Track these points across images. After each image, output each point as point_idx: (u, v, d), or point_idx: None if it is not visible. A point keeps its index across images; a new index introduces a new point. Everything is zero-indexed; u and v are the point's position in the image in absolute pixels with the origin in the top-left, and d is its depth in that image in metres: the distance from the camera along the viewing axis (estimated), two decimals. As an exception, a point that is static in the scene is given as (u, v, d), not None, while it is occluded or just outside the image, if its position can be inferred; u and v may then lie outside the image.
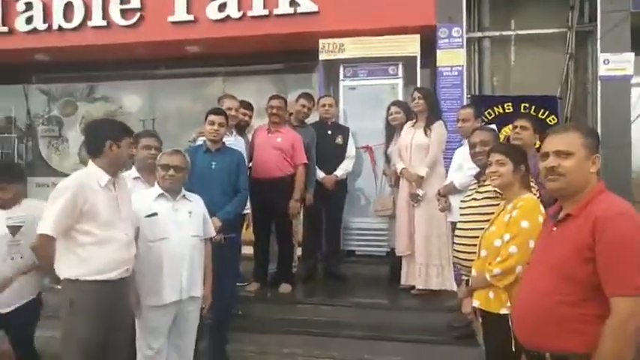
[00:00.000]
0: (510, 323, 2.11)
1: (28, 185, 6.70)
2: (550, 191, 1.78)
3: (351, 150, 4.68)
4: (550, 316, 1.63)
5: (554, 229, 1.75)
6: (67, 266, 2.44)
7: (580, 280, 1.59)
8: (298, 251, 4.72)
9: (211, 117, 3.53)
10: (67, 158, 6.74)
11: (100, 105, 6.70)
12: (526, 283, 1.82)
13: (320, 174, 4.54)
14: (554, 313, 1.63)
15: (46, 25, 5.66)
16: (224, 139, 3.70)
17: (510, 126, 3.77)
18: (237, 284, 4.12)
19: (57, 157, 6.80)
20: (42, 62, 6.28)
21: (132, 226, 2.66)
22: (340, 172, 4.59)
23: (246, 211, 3.98)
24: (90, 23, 5.59)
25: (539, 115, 4.70)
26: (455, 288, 4.04)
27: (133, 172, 3.27)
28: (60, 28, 5.64)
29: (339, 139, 4.64)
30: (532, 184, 2.58)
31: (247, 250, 4.31)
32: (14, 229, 2.95)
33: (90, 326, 2.40)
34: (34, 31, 5.71)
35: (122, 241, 2.52)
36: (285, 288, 4.26)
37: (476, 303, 2.36)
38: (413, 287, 4.19)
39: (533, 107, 4.73)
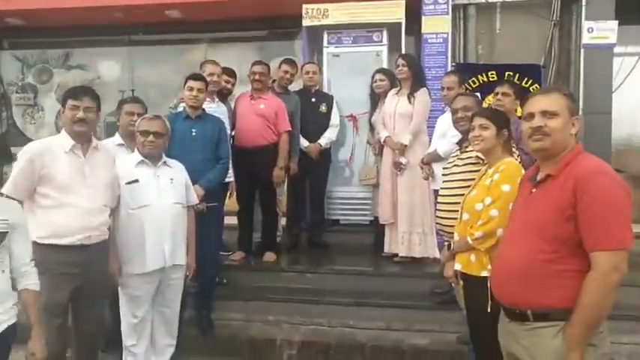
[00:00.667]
0: (489, 284, 2.17)
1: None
2: (533, 151, 1.79)
3: (335, 119, 4.64)
4: (531, 274, 1.67)
5: (534, 190, 1.77)
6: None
7: (561, 238, 1.62)
8: (282, 221, 4.72)
9: (190, 82, 3.44)
10: (42, 127, 6.56)
11: (76, 73, 6.50)
12: (505, 243, 1.85)
13: (304, 143, 4.50)
14: (535, 270, 1.66)
15: (19, -14, 5.43)
16: (206, 106, 3.63)
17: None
18: (222, 253, 4.12)
19: (32, 127, 6.62)
20: (15, 26, 6.05)
21: (102, 193, 2.61)
22: (324, 140, 4.56)
23: (229, 180, 3.93)
24: (65, -15, 5.37)
25: (523, 84, 4.69)
26: (437, 255, 4.09)
27: (117, 138, 3.21)
28: (33, -10, 5.42)
29: (323, 107, 4.59)
30: (514, 149, 2.59)
31: (231, 220, 4.28)
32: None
33: (49, 287, 2.42)
34: (6, -7, 5.47)
35: (83, 207, 2.50)
36: (269, 256, 4.27)
37: (458, 266, 2.39)
38: (396, 255, 4.23)
39: (517, 75, 4.70)
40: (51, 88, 6.57)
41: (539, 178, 1.76)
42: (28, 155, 2.45)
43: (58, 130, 6.00)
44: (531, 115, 1.74)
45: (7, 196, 2.43)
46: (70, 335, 2.71)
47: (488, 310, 2.13)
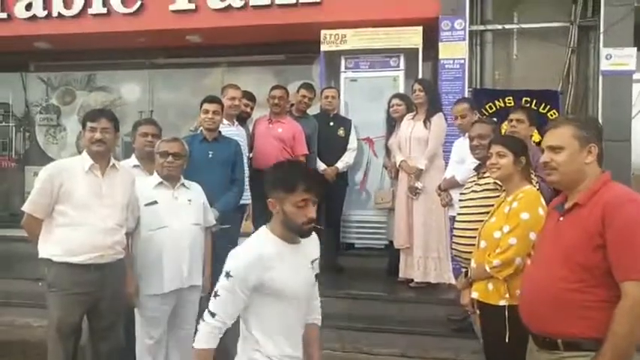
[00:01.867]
0: (506, 314, 2.14)
1: (25, 174, 6.71)
2: (549, 184, 1.81)
3: (352, 142, 4.68)
4: (561, 303, 1.66)
5: (561, 218, 1.77)
6: (44, 246, 2.54)
7: (590, 266, 1.61)
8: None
9: (205, 105, 3.50)
10: (64, 148, 6.70)
11: (98, 94, 6.67)
12: (534, 272, 1.84)
13: (321, 165, 4.53)
14: (565, 300, 1.65)
15: (46, 12, 5.62)
16: (226, 129, 3.68)
17: (509, 120, 3.75)
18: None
19: (54, 147, 6.77)
20: (41, 50, 6.25)
21: (118, 213, 2.65)
22: (342, 164, 4.59)
23: (245, 202, 3.95)
24: (90, 11, 5.55)
25: (541, 110, 4.69)
26: (453, 281, 4.05)
27: (133, 160, 3.25)
28: (60, 15, 5.60)
29: (341, 131, 4.64)
30: (532, 175, 2.58)
31: (246, 241, 4.29)
32: None
33: (62, 307, 2.48)
34: (34, 18, 5.66)
35: (98, 227, 2.54)
36: (283, 279, 4.24)
37: (475, 294, 2.36)
38: (411, 280, 4.20)
39: (534, 101, 4.71)
40: (73, 110, 6.73)
41: (566, 206, 1.76)
42: (48, 173, 2.53)
43: (79, 151, 6.23)
44: (542, 150, 1.81)
45: (28, 214, 2.50)
46: (83, 356, 2.73)
47: (506, 340, 2.10)
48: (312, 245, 1.94)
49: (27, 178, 6.70)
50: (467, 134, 3.44)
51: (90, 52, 6.21)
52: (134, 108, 6.42)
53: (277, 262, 1.78)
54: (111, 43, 5.91)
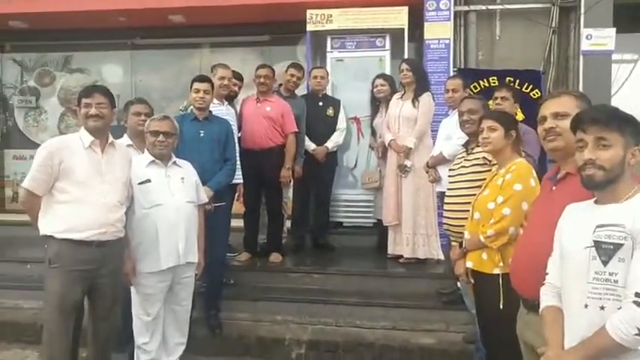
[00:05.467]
0: (500, 282, 2.22)
1: (5, 158, 6.55)
2: (549, 151, 1.87)
3: (341, 122, 4.70)
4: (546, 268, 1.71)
5: (554, 188, 1.84)
6: (45, 223, 2.52)
7: None
8: (287, 223, 4.76)
9: (196, 85, 3.48)
10: (45, 130, 6.53)
11: (78, 76, 6.50)
12: (527, 239, 1.91)
13: (311, 145, 4.56)
14: None
15: (21, -11, 5.44)
16: (216, 109, 3.67)
17: (493, 98, 3.83)
18: (228, 254, 4.14)
19: (34, 129, 6.60)
20: (16, 30, 6.04)
21: (119, 191, 2.64)
22: (331, 144, 4.62)
23: (237, 181, 3.96)
24: (68, -12, 5.39)
25: (523, 89, 4.77)
26: (441, 256, 4.17)
27: (125, 139, 3.22)
28: (35, -6, 5.43)
29: (330, 111, 4.65)
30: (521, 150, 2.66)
31: (236, 222, 4.30)
32: None
33: (63, 283, 2.47)
34: (8, -4, 5.48)
35: (98, 203, 2.52)
36: (275, 257, 4.30)
37: (469, 264, 2.44)
38: (400, 256, 4.28)
39: (517, 81, 4.78)
40: (53, 91, 6.56)
41: (559, 176, 1.83)
42: (48, 150, 2.49)
43: (61, 133, 6.13)
44: (544, 118, 1.85)
45: (28, 190, 2.47)
46: (83, 334, 2.73)
47: (501, 307, 2.19)
48: None
49: (6, 161, 6.55)
50: (455, 111, 3.52)
51: (68, 31, 6.02)
52: (115, 90, 6.24)
53: None
54: (90, 23, 5.75)
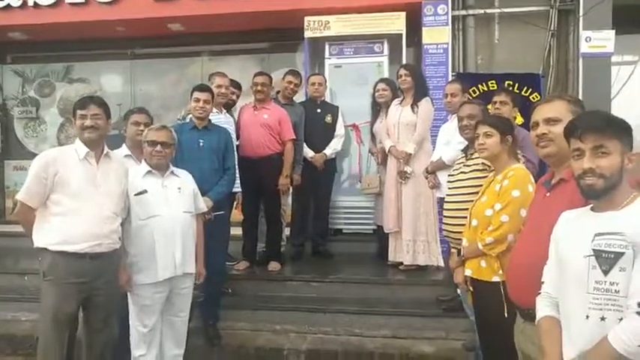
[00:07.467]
0: (502, 290, 2.19)
1: (5, 168, 6.56)
2: (542, 157, 1.83)
3: (340, 129, 4.68)
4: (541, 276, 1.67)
5: (548, 194, 1.81)
6: (39, 235, 2.51)
7: None
8: (286, 231, 4.74)
9: (196, 94, 3.47)
10: (44, 141, 6.55)
11: (79, 86, 6.52)
12: (522, 247, 1.88)
13: (309, 152, 4.54)
14: None
15: (21, 1, 5.47)
16: (214, 117, 3.66)
17: (492, 103, 3.81)
18: (227, 263, 4.12)
19: (34, 139, 6.61)
20: (17, 41, 6.08)
21: (114, 203, 2.63)
22: (329, 150, 4.60)
23: (236, 190, 3.94)
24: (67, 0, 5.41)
25: (523, 93, 4.75)
26: (441, 263, 4.13)
27: (124, 149, 3.20)
28: (35, 5, 5.46)
29: (329, 118, 4.63)
30: (520, 155, 2.63)
31: (235, 230, 4.27)
32: None
33: (58, 296, 2.46)
34: (8, 7, 5.50)
35: (94, 215, 2.51)
36: (274, 266, 4.27)
37: (468, 272, 2.41)
38: (400, 263, 4.24)
39: (516, 85, 4.77)
40: (53, 102, 6.57)
41: (553, 182, 1.80)
42: (43, 161, 2.48)
43: (60, 144, 6.14)
44: (536, 124, 1.82)
45: (22, 202, 2.46)
46: (78, 347, 2.71)
47: (505, 315, 2.14)
48: None
49: (6, 172, 6.56)
50: (454, 115, 3.50)
51: (68, 42, 6.08)
52: (115, 99, 6.29)
53: None
54: (89, 33, 5.79)
